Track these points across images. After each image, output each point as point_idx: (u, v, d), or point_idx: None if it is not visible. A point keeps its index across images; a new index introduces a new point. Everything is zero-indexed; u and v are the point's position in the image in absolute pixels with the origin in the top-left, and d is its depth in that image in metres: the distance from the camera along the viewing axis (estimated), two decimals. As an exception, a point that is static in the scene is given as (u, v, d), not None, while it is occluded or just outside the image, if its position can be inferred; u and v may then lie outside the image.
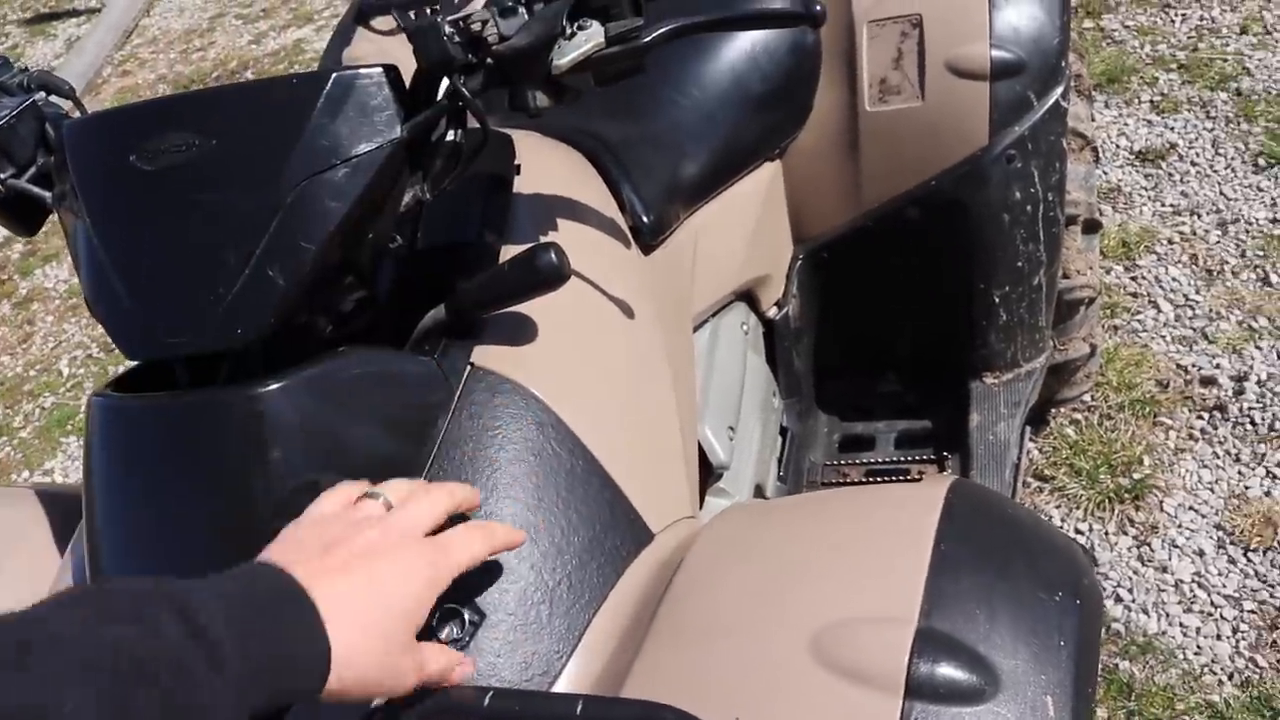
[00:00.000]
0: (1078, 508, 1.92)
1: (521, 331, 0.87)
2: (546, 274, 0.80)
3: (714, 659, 0.68)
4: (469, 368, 0.83)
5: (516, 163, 1.00)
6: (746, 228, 1.47)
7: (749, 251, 1.47)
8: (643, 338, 0.99)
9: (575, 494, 0.81)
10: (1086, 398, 2.08)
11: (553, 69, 0.78)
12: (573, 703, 0.64)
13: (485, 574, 0.75)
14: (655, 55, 0.84)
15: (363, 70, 0.78)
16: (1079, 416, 2.08)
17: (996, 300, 1.57)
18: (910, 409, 1.73)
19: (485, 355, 0.84)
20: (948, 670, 0.63)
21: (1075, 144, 1.65)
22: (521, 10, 0.78)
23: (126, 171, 0.77)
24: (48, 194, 0.92)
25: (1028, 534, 0.75)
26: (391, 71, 0.79)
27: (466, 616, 0.74)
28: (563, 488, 0.80)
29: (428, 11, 0.77)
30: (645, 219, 1.17)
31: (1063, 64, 1.48)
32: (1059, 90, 1.48)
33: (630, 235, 1.12)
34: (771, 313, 1.54)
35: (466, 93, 0.78)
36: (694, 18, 0.83)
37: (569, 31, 0.78)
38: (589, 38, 0.78)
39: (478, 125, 0.82)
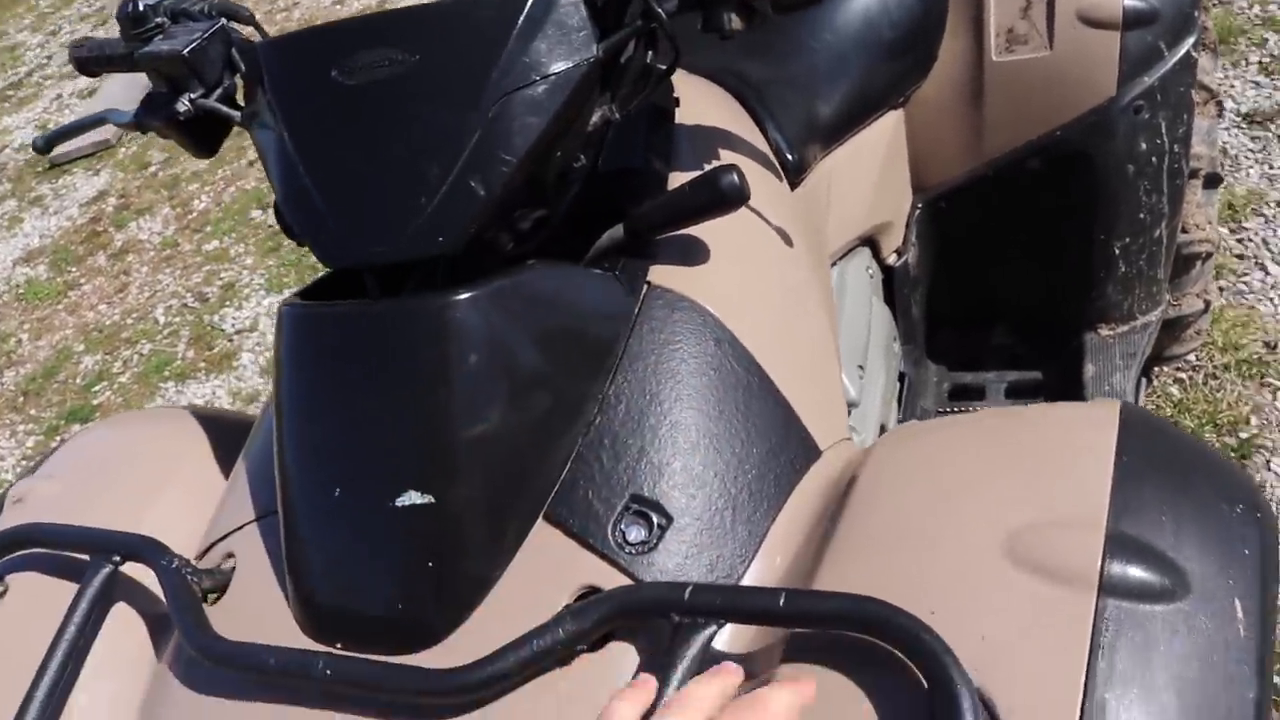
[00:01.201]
0: (1183, 466, 1.91)
1: (694, 253, 0.89)
2: (729, 194, 0.82)
3: (902, 561, 0.71)
4: (646, 285, 0.86)
5: (675, 96, 1.03)
6: (871, 174, 1.48)
7: (873, 198, 1.48)
8: (797, 266, 1.01)
9: (752, 409, 0.83)
10: (1191, 357, 2.06)
11: (747, -13, 0.80)
12: (775, 595, 0.66)
13: (674, 480, 0.78)
14: None
15: None
16: (1183, 376, 2.06)
17: (1116, 252, 1.56)
18: (1020, 360, 1.73)
19: (661, 274, 0.87)
20: (1139, 571, 0.65)
21: (1200, 97, 1.63)
22: None
23: (327, 87, 0.81)
24: (235, 113, 0.96)
25: (1201, 452, 0.77)
26: None
27: (655, 520, 0.77)
28: (740, 402, 0.83)
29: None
30: (789, 156, 1.19)
31: (1195, 13, 1.46)
32: (1190, 40, 1.46)
33: (779, 170, 1.14)
34: (891, 260, 1.55)
35: (661, 13, 0.80)
36: None
37: (757, -45, 0.80)
38: (773, -38, 0.80)
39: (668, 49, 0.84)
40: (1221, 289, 2.22)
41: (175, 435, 1.18)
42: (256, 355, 3.21)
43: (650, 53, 0.84)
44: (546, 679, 0.72)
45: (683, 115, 1.03)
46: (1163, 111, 1.47)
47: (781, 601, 0.66)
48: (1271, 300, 2.16)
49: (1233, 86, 2.72)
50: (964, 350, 1.77)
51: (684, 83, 1.10)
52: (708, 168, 0.92)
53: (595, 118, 0.83)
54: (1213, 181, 1.70)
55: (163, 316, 3.59)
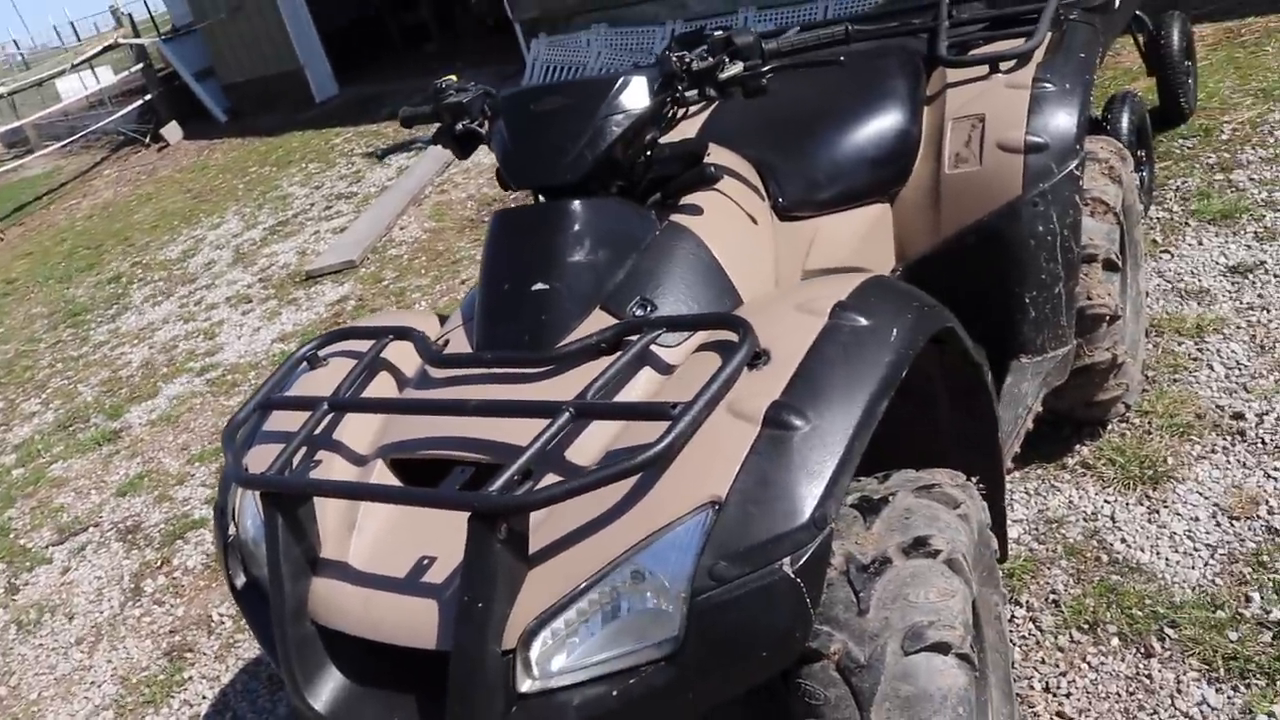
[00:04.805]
0: (1108, 486, 2.56)
1: (696, 211, 1.77)
2: (709, 176, 1.71)
3: (754, 318, 1.52)
4: (667, 221, 1.74)
5: (708, 153, 1.93)
6: (856, 240, 2.31)
7: (856, 250, 2.30)
8: (757, 237, 1.87)
9: (711, 281, 1.69)
10: (1135, 420, 2.72)
11: (719, 79, 1.71)
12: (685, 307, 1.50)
13: (662, 293, 1.63)
14: (797, 105, 1.76)
15: (634, 75, 1.72)
16: (1125, 431, 2.72)
17: (1028, 301, 2.31)
18: None
19: (676, 217, 1.75)
20: (852, 315, 1.45)
21: (1099, 209, 2.41)
22: (706, 56, 1.72)
23: (528, 112, 1.76)
24: (483, 131, 1.92)
25: (906, 289, 1.57)
26: (646, 76, 1.74)
27: (649, 308, 1.62)
28: (702, 274, 1.68)
29: (670, 55, 1.73)
30: (780, 201, 2.06)
31: (1077, 147, 2.26)
32: (1074, 163, 2.26)
33: (768, 204, 2.01)
34: None
35: (680, 89, 1.72)
36: (790, 61, 1.74)
37: (727, 64, 1.71)
38: (735, 67, 1.71)
39: (682, 107, 1.75)
40: (1176, 380, 2.88)
41: (424, 312, 2.10)
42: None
43: (675, 107, 1.75)
44: (591, 360, 1.56)
45: (711, 159, 1.92)
46: (1054, 207, 2.25)
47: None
48: (1211, 387, 2.80)
49: (1228, 248, 3.41)
50: None
51: (716, 147, 2.00)
52: None
53: (648, 135, 1.74)
54: (1110, 266, 2.43)
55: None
